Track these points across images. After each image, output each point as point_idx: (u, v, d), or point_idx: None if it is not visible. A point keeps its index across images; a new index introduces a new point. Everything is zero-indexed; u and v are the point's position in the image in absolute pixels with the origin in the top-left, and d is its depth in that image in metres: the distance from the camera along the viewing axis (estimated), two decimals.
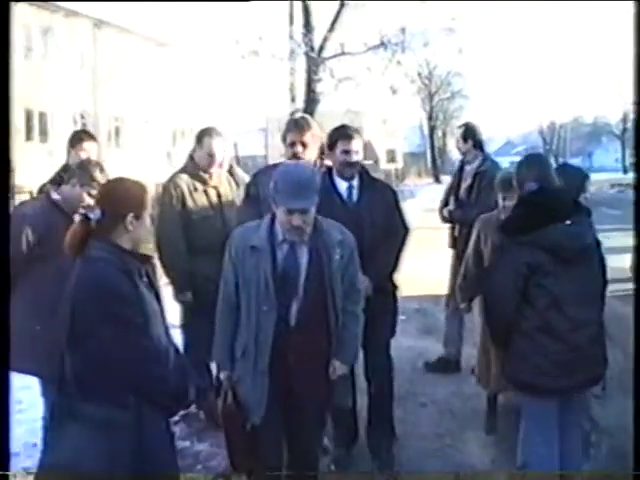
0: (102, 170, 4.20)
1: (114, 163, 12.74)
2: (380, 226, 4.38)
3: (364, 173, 4.53)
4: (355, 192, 4.47)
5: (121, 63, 32.01)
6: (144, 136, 33.19)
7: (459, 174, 6.47)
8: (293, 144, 4.45)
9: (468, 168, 6.31)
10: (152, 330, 2.89)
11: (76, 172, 4.24)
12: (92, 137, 5.18)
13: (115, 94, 30.66)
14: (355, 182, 4.47)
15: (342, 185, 4.46)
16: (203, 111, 34.03)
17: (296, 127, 4.51)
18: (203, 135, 5.11)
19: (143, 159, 30.42)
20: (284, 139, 4.58)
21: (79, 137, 5.10)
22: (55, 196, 4.22)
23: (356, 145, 4.43)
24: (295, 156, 4.41)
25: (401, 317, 4.95)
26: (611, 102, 66.12)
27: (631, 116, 57.54)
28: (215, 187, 5.13)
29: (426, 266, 9.99)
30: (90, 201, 3.88)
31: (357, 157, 4.43)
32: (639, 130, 4.50)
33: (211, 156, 5.06)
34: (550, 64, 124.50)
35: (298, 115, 4.71)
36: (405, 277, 4.88)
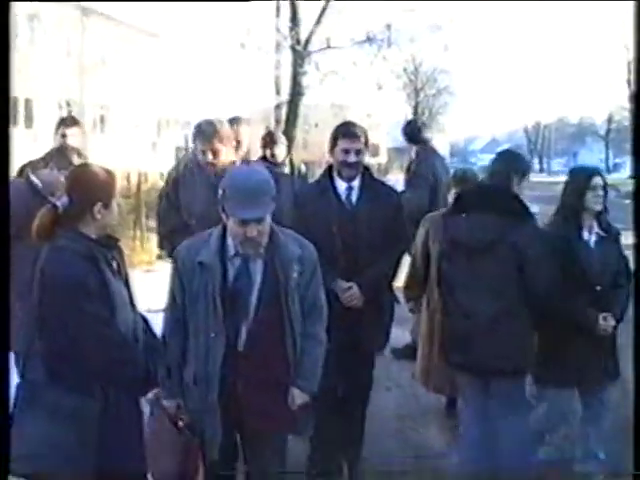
0: (80, 155, 4.31)
1: (99, 151, 12.80)
2: (379, 231, 4.11)
3: (367, 175, 4.26)
4: (355, 193, 4.18)
5: (108, 51, 31.93)
6: (129, 125, 33.14)
7: None
8: (204, 152, 4.43)
9: None
10: (118, 317, 2.94)
11: (54, 156, 4.33)
12: (76, 122, 5.23)
13: (101, 82, 30.59)
14: (356, 183, 4.18)
15: (341, 185, 4.19)
16: (188, 102, 34.01)
17: (202, 135, 4.43)
18: (231, 123, 4.99)
19: (128, 147, 30.41)
20: (194, 144, 4.53)
21: (64, 122, 5.16)
22: (33, 179, 4.33)
23: (358, 144, 4.14)
24: (208, 164, 4.40)
25: None
26: (596, 103, 66.50)
27: (616, 117, 57.94)
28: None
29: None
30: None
31: (358, 157, 4.14)
32: (638, 131, 4.57)
33: (238, 142, 5.02)
34: (536, 64, 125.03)
35: (203, 121, 4.56)
36: None
